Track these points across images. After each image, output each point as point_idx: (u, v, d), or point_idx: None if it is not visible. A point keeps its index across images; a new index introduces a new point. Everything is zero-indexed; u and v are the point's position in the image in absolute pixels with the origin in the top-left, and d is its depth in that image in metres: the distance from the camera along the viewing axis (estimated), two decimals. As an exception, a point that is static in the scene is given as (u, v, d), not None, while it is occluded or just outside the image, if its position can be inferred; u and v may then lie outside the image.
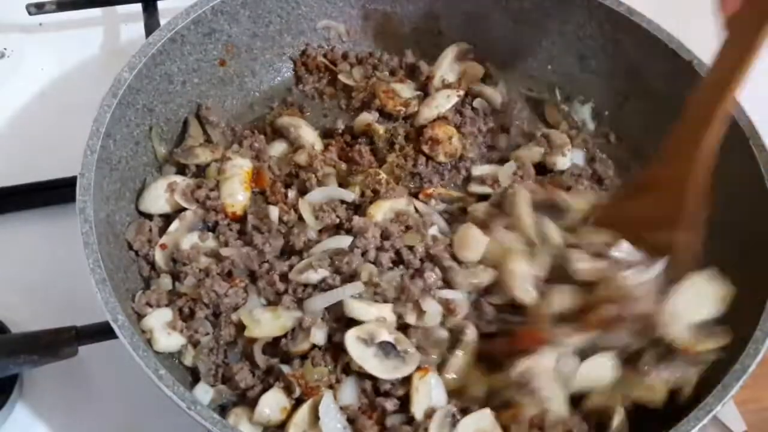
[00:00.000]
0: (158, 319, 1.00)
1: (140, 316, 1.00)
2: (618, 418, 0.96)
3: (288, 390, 0.96)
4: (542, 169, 1.21)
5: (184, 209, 1.09)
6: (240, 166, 1.11)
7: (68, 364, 0.99)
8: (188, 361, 1.01)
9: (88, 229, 0.93)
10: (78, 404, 1.07)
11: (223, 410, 0.98)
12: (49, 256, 1.15)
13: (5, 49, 1.43)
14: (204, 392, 0.98)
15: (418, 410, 0.94)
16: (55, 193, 1.19)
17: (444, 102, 1.23)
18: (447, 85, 1.27)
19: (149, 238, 1.07)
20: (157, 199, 1.09)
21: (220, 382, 1.00)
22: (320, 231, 1.08)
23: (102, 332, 0.96)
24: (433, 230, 1.09)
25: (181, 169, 1.15)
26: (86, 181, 0.97)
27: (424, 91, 1.27)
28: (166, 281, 1.05)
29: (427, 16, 1.31)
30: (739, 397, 0.91)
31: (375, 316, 0.99)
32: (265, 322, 1.00)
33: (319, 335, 0.99)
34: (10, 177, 1.21)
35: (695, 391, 0.93)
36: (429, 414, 0.95)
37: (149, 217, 1.10)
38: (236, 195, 1.10)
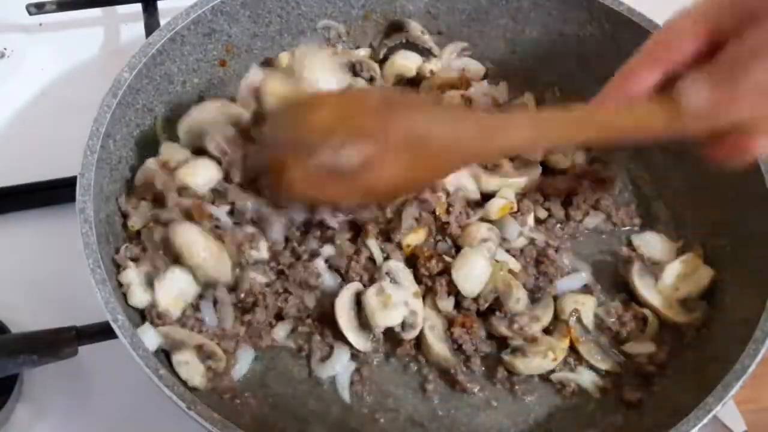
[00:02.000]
0: (137, 274, 1.00)
1: (120, 270, 1.00)
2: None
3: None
4: (544, 168, 1.20)
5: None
6: None
7: (68, 364, 0.99)
8: None
9: (88, 229, 0.93)
10: (78, 404, 1.07)
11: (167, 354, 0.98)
12: (49, 256, 1.15)
13: (5, 49, 1.43)
14: (147, 331, 0.97)
15: None
16: (55, 193, 1.19)
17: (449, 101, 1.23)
18: (451, 85, 1.27)
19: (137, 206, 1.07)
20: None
21: None
22: None
23: (102, 332, 0.95)
24: None
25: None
26: (86, 181, 0.97)
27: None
28: None
29: (427, 16, 1.31)
30: (739, 397, 0.91)
31: None
32: None
33: None
34: (10, 177, 1.21)
35: (695, 393, 0.93)
36: None
37: None
38: None
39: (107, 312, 0.88)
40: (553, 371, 1.04)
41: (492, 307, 1.06)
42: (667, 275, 1.09)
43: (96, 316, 0.94)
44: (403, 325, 1.03)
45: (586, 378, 1.04)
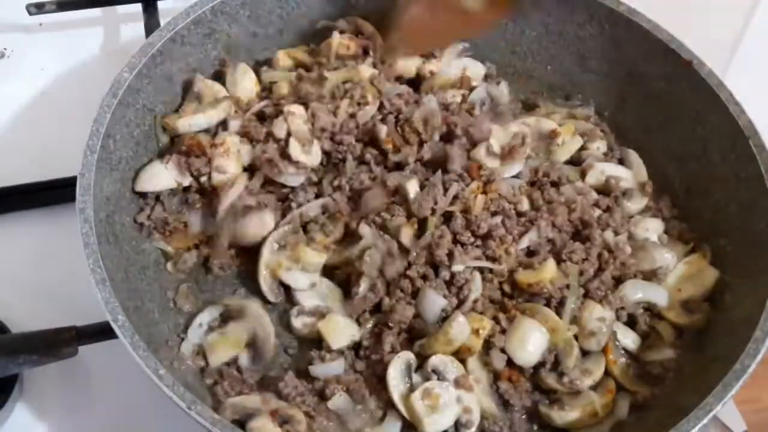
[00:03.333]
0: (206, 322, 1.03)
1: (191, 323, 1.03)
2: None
3: None
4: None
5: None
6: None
7: (68, 364, 0.99)
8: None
9: (88, 229, 0.93)
10: (78, 404, 1.07)
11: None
12: (49, 256, 1.15)
13: (5, 49, 1.43)
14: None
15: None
16: (55, 193, 1.19)
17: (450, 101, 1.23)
18: (452, 85, 1.27)
19: (150, 214, 1.09)
20: (156, 176, 1.09)
21: None
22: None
23: (102, 332, 0.96)
24: None
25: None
26: (86, 181, 0.97)
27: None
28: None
29: (427, 16, 1.31)
30: (739, 397, 0.90)
31: None
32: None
33: None
34: (10, 177, 1.21)
35: (696, 393, 0.93)
36: None
37: (144, 196, 1.10)
38: None
39: (107, 312, 0.88)
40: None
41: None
42: (670, 276, 1.09)
43: (96, 316, 0.94)
44: (457, 425, 0.95)
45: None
